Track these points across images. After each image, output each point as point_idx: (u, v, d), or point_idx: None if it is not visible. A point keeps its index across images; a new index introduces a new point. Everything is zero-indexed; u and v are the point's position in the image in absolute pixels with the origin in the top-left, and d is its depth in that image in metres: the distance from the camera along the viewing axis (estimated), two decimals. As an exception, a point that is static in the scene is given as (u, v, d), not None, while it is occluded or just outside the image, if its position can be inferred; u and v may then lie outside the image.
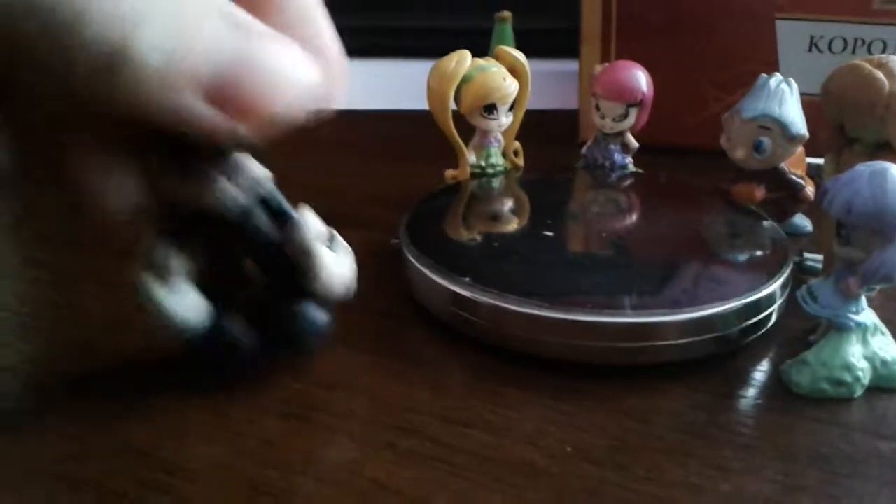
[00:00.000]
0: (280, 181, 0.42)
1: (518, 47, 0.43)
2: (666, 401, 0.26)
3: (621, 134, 0.38)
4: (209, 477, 0.24)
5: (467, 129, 0.37)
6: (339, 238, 0.27)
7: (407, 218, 0.33)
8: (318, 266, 0.25)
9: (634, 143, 0.38)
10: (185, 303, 0.24)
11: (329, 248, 0.26)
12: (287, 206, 0.25)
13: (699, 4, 0.42)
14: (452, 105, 0.36)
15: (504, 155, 0.38)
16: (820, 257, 0.31)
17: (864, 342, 0.27)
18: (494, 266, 0.30)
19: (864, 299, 0.27)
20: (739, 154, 0.33)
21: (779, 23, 0.41)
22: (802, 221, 0.36)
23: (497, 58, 0.37)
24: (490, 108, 0.36)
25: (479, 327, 0.29)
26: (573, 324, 0.27)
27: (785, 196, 0.34)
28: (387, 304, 0.32)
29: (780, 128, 0.32)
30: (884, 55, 0.31)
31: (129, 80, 0.18)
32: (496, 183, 0.37)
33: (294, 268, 0.25)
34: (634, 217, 0.36)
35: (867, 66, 0.30)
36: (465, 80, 0.35)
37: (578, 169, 0.39)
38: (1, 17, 0.17)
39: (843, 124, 0.32)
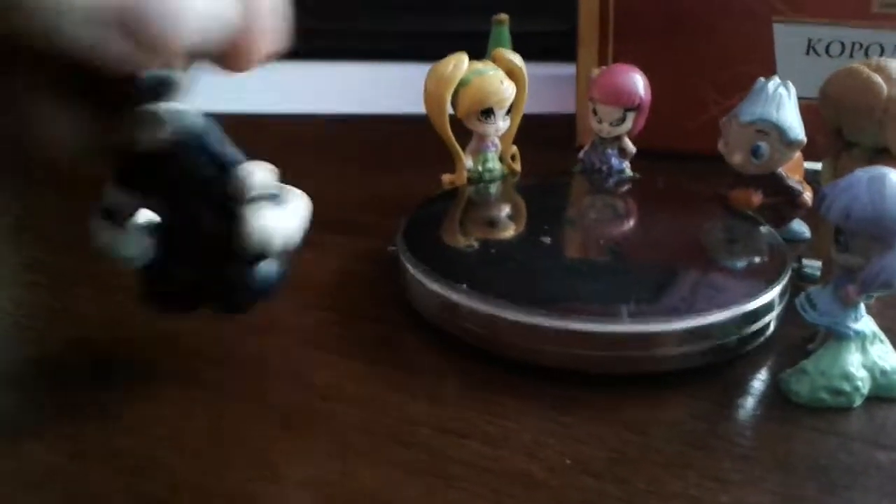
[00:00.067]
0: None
1: (515, 50, 0.43)
2: (664, 411, 0.26)
3: (618, 138, 0.37)
4: (205, 489, 0.23)
5: (464, 134, 0.37)
6: (292, 191, 0.26)
7: (403, 224, 0.33)
8: (250, 220, 0.24)
9: (632, 148, 0.38)
10: (129, 241, 0.25)
11: (274, 199, 0.25)
12: (230, 151, 0.25)
13: (696, 7, 0.42)
14: (449, 109, 0.36)
15: (501, 160, 0.38)
16: (818, 264, 0.31)
17: (864, 351, 0.26)
18: (491, 273, 0.30)
19: (862, 307, 0.26)
20: (737, 159, 0.33)
21: (776, 26, 0.41)
22: (800, 227, 0.36)
23: (494, 61, 0.36)
24: (487, 113, 0.36)
25: (475, 335, 0.28)
26: (571, 333, 0.27)
27: (783, 201, 0.34)
28: (383, 310, 0.32)
29: (778, 132, 0.32)
30: (882, 59, 0.31)
31: (26, 13, 0.19)
32: (493, 188, 0.37)
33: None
34: (632, 223, 0.36)
35: (865, 69, 0.30)
36: (463, 83, 0.35)
37: (576, 174, 0.39)
38: None
39: (841, 128, 0.32)
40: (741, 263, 0.31)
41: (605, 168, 0.38)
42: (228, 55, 0.24)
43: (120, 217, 0.25)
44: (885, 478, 0.24)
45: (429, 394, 0.27)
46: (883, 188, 0.24)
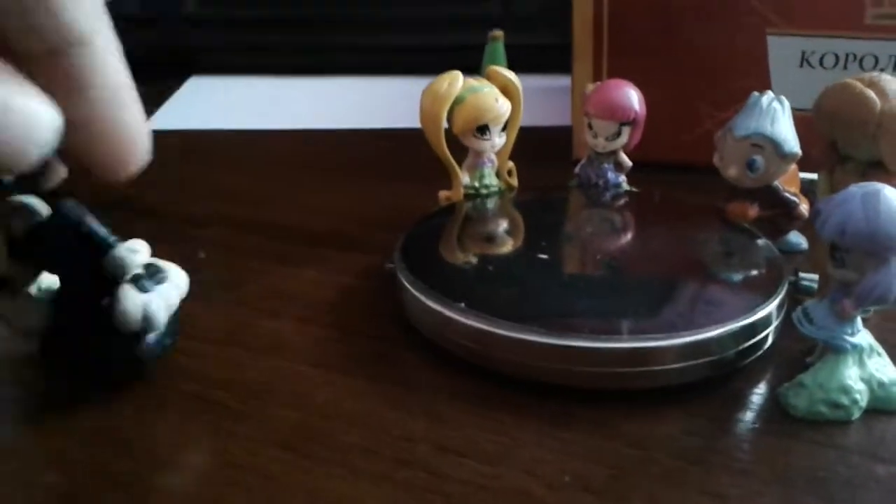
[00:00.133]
0: (274, 203, 0.43)
1: (510, 63, 0.43)
2: (663, 426, 0.26)
3: (614, 153, 0.38)
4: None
5: (460, 149, 0.37)
6: (170, 269, 0.28)
7: (401, 241, 0.33)
8: (123, 301, 0.26)
9: (628, 162, 0.38)
10: (22, 309, 0.27)
11: (145, 281, 0.27)
12: (104, 233, 0.27)
13: (691, 21, 0.42)
14: (445, 125, 0.36)
15: (498, 175, 0.38)
16: (816, 276, 0.31)
17: (861, 364, 0.27)
18: (489, 290, 0.30)
19: (859, 321, 0.27)
20: (732, 172, 0.33)
21: (770, 38, 0.42)
22: (797, 239, 0.36)
23: (489, 78, 0.37)
24: (483, 129, 0.36)
25: (474, 352, 0.28)
26: (568, 349, 0.27)
27: (779, 214, 0.34)
28: (381, 327, 0.32)
29: (773, 146, 0.32)
30: (875, 73, 0.31)
31: None
32: (490, 204, 0.37)
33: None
34: (629, 237, 0.36)
35: (859, 84, 0.30)
36: (458, 101, 0.35)
37: (572, 188, 0.39)
38: None
39: (835, 142, 0.32)
40: (738, 277, 0.31)
41: (601, 182, 0.38)
42: (94, 164, 0.26)
43: (15, 286, 0.27)
44: (883, 491, 0.24)
45: (428, 411, 0.27)
46: (877, 204, 0.24)
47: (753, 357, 0.28)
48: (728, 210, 0.34)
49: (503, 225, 0.36)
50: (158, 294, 0.27)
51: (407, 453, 0.25)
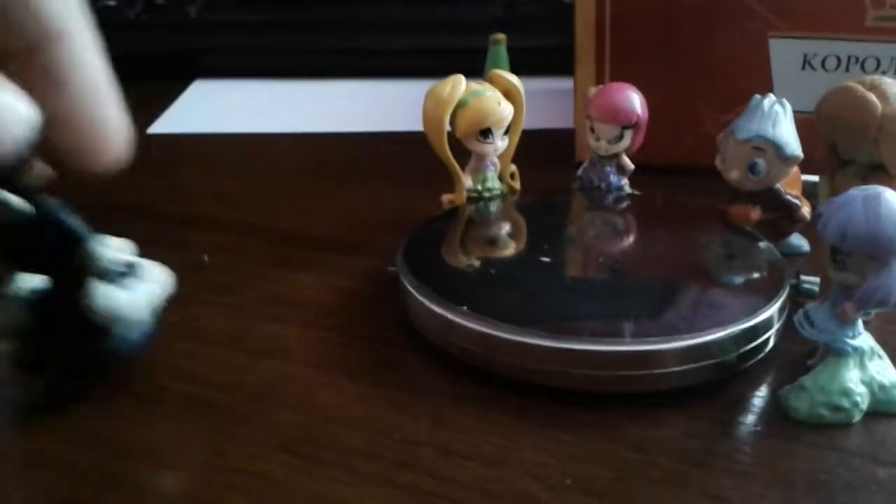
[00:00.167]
0: (276, 207, 0.43)
1: (512, 66, 0.43)
2: (664, 429, 0.26)
3: (617, 156, 0.38)
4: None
5: (463, 153, 0.37)
6: (147, 265, 0.28)
7: (404, 244, 0.33)
8: (94, 295, 0.26)
9: (630, 165, 0.38)
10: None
11: (118, 276, 0.27)
12: (80, 226, 0.26)
13: (692, 23, 0.42)
14: (448, 128, 0.36)
15: (500, 178, 0.38)
16: (817, 279, 0.31)
17: (862, 367, 0.27)
18: (491, 294, 0.30)
19: (860, 323, 0.27)
20: (734, 175, 0.34)
21: (772, 41, 0.42)
22: (799, 241, 0.36)
23: (491, 81, 0.37)
24: (485, 133, 0.36)
25: (476, 355, 0.29)
26: (570, 352, 0.27)
27: (781, 216, 0.34)
28: (384, 331, 0.32)
29: (775, 149, 0.32)
30: (876, 76, 0.31)
31: None
32: (493, 207, 0.37)
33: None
34: (631, 240, 0.36)
35: (860, 87, 0.30)
36: (460, 105, 0.35)
37: (575, 191, 0.39)
38: None
39: (837, 145, 0.32)
40: (740, 280, 0.31)
41: (603, 185, 0.38)
42: (71, 159, 0.26)
43: None
44: (884, 493, 0.24)
45: (430, 415, 0.27)
46: (878, 207, 0.24)
47: (755, 360, 0.28)
48: (730, 213, 0.34)
49: (506, 228, 0.36)
50: (131, 290, 0.27)
51: (410, 456, 0.25)
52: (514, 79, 0.37)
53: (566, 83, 0.47)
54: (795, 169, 0.34)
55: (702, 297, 0.30)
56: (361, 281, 0.36)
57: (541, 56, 0.55)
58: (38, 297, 0.26)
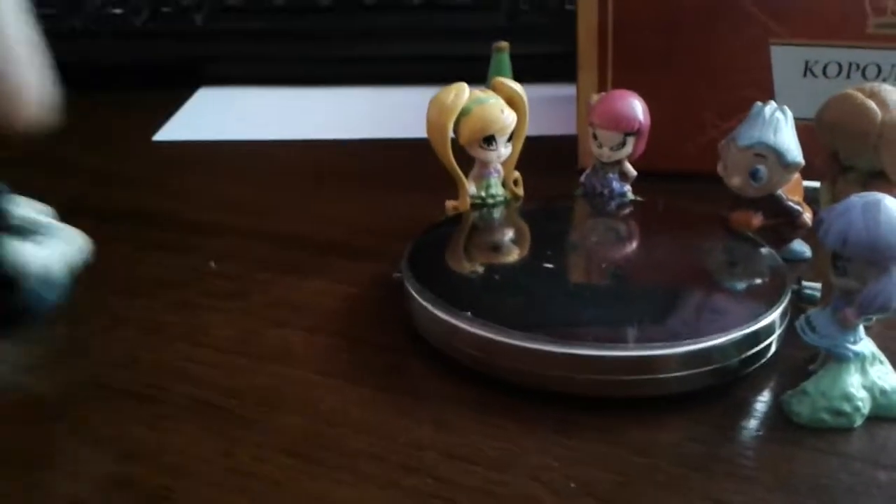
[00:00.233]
0: (282, 213, 0.43)
1: (515, 73, 0.43)
2: (667, 433, 0.27)
3: (619, 162, 0.38)
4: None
5: (467, 159, 0.37)
6: (63, 230, 0.28)
7: (408, 250, 0.33)
8: (3, 248, 0.26)
9: (632, 172, 0.38)
10: None
11: (26, 232, 0.27)
12: None
13: (695, 31, 0.43)
14: (451, 134, 0.36)
15: (504, 185, 0.38)
16: (818, 285, 0.32)
17: (863, 372, 0.27)
18: (495, 299, 0.31)
19: (861, 329, 0.27)
20: (736, 182, 0.34)
21: (773, 49, 0.42)
22: (801, 247, 0.36)
23: (495, 89, 0.37)
24: (489, 140, 0.36)
25: (480, 360, 0.29)
26: (574, 357, 0.27)
27: (783, 223, 0.35)
28: (389, 336, 0.32)
29: (776, 155, 0.33)
30: (876, 84, 0.31)
31: None
32: (497, 213, 0.37)
33: None
34: (633, 246, 0.36)
35: (860, 95, 0.31)
36: (464, 112, 0.35)
37: (577, 197, 0.39)
38: None
39: (837, 152, 0.32)
40: (742, 286, 0.32)
41: (606, 192, 0.38)
42: None
43: None
44: (886, 497, 0.24)
45: (435, 419, 0.28)
46: (878, 214, 0.24)
47: (757, 365, 0.29)
48: (732, 219, 0.35)
49: (509, 234, 0.37)
50: (44, 247, 0.27)
51: (414, 460, 0.26)
52: (517, 86, 0.37)
53: (569, 90, 0.47)
54: (797, 175, 0.34)
55: (704, 303, 0.31)
56: (366, 287, 0.36)
57: (544, 63, 0.55)
58: None
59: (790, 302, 0.30)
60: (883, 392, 0.27)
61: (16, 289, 0.27)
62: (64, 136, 0.56)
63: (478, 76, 0.41)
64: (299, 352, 0.32)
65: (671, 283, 0.32)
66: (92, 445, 0.27)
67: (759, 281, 0.32)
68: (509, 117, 0.36)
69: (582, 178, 0.39)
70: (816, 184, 0.35)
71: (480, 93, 0.36)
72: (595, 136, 0.38)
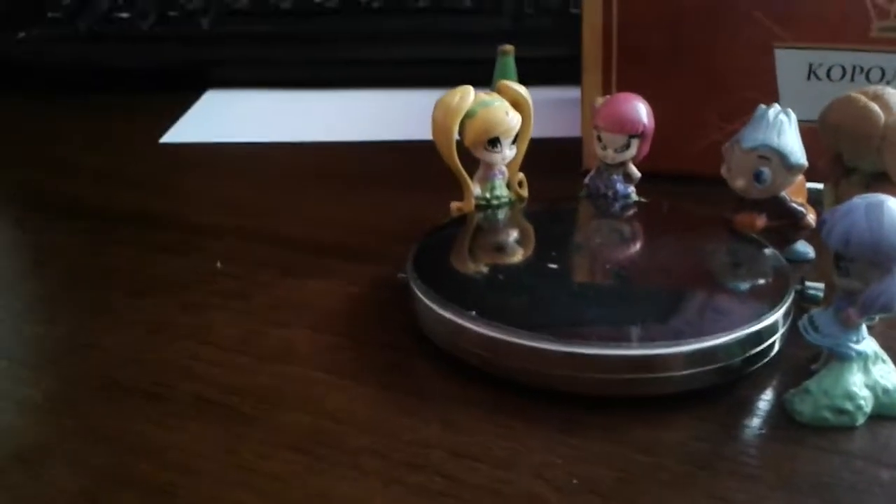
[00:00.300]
0: (286, 215, 0.43)
1: (520, 75, 0.44)
2: (670, 432, 0.27)
3: (623, 164, 0.38)
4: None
5: (472, 161, 0.37)
6: None
7: (413, 251, 0.34)
8: None
9: (637, 174, 0.38)
10: None
11: None
12: None
13: (699, 33, 0.43)
14: (456, 138, 0.36)
15: (508, 186, 0.38)
16: (821, 285, 0.32)
17: (866, 371, 0.27)
18: (500, 299, 0.31)
19: (864, 328, 0.27)
20: (740, 183, 0.34)
21: (777, 52, 0.42)
22: (804, 248, 0.36)
23: (500, 91, 0.37)
24: (494, 142, 0.36)
25: (485, 360, 0.29)
26: (578, 357, 0.27)
27: (787, 224, 0.35)
28: (394, 336, 0.32)
29: (780, 158, 0.33)
30: (880, 87, 0.31)
31: None
32: (501, 214, 0.37)
33: None
34: (637, 247, 0.36)
35: (863, 98, 0.31)
36: (469, 115, 0.36)
37: (582, 199, 0.39)
38: None
39: (841, 154, 0.32)
40: (746, 286, 0.32)
41: (610, 193, 0.38)
42: None
43: None
44: (887, 495, 0.24)
45: (440, 418, 0.28)
46: (881, 215, 0.24)
47: (760, 364, 0.29)
48: (736, 220, 0.35)
49: (514, 235, 0.37)
50: None
51: (420, 458, 0.26)
52: (522, 89, 0.37)
53: (573, 93, 0.47)
54: (800, 177, 0.34)
55: (708, 303, 0.31)
56: (371, 287, 0.36)
57: (548, 66, 0.55)
58: None
59: (793, 302, 0.30)
60: (885, 391, 0.27)
61: None
62: (70, 139, 0.57)
63: (483, 79, 0.41)
64: (303, 351, 0.32)
65: (675, 284, 0.32)
66: (98, 442, 0.27)
67: (762, 281, 0.32)
68: (514, 119, 0.36)
69: (586, 180, 0.39)
70: (820, 186, 0.35)
71: (485, 95, 0.37)
72: (599, 139, 0.38)
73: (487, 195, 0.38)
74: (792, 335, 0.29)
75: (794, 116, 0.33)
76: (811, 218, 0.35)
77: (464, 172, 0.37)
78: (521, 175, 0.39)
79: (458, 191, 0.37)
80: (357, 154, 0.52)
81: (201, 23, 0.64)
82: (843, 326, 0.27)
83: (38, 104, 0.63)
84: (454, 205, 0.38)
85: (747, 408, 0.28)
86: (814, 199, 0.36)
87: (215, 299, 0.35)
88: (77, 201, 0.46)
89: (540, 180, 0.39)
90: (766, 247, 0.33)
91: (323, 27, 0.64)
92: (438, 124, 0.36)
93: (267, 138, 0.55)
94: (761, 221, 0.34)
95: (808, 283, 0.32)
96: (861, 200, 0.25)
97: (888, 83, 0.41)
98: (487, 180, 0.38)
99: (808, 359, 0.29)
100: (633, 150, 0.37)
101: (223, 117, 0.60)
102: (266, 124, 0.58)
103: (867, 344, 0.27)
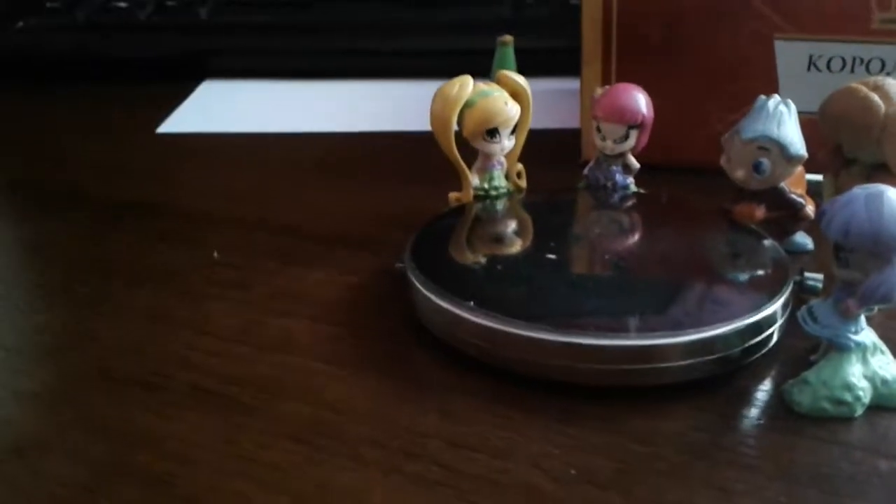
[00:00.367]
0: (284, 204, 0.43)
1: (520, 66, 0.43)
2: (668, 422, 0.27)
3: (622, 155, 0.38)
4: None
5: (470, 151, 0.37)
6: None
7: (411, 241, 0.34)
8: None
9: (636, 164, 0.38)
10: None
11: None
12: None
13: (699, 24, 0.43)
14: (455, 128, 0.36)
15: (507, 177, 0.38)
16: (821, 276, 0.32)
17: (865, 361, 0.27)
18: (498, 289, 0.31)
19: (863, 319, 0.27)
20: (739, 174, 0.34)
21: (777, 43, 0.42)
22: (803, 240, 0.36)
23: (498, 82, 0.37)
24: (492, 132, 0.36)
25: (483, 350, 0.29)
26: (576, 347, 0.27)
27: (786, 215, 0.35)
28: (392, 326, 0.32)
29: (779, 148, 0.33)
30: (880, 77, 0.31)
31: None
32: (500, 205, 0.37)
33: None
34: (636, 238, 0.36)
35: (863, 88, 0.31)
36: (468, 105, 0.36)
37: (580, 190, 0.39)
38: None
39: (841, 145, 0.32)
40: (744, 277, 0.32)
41: (609, 184, 0.38)
42: None
43: None
44: (886, 486, 0.24)
45: (438, 408, 0.28)
46: (881, 205, 0.24)
47: (759, 355, 0.29)
48: (735, 211, 0.35)
49: (512, 226, 0.37)
50: None
51: (418, 447, 0.26)
52: (521, 79, 0.37)
53: (573, 83, 0.47)
54: (800, 168, 0.34)
55: (707, 293, 0.31)
56: (369, 277, 0.36)
57: (548, 57, 0.55)
58: None
59: (792, 293, 0.30)
60: (884, 382, 0.27)
61: None
62: (68, 129, 0.56)
63: (482, 70, 0.41)
64: (302, 341, 0.32)
65: (674, 274, 0.32)
66: (97, 432, 0.27)
67: (761, 272, 0.32)
68: (513, 110, 0.36)
69: (585, 171, 0.39)
70: (819, 177, 0.35)
71: (484, 86, 0.36)
72: (599, 129, 0.38)
73: (486, 186, 0.38)
74: (791, 326, 0.29)
75: (793, 107, 0.33)
76: (810, 209, 0.35)
77: (462, 163, 0.37)
78: (519, 166, 0.39)
79: (457, 181, 0.37)
80: (356, 144, 0.52)
81: (199, 12, 0.64)
82: (842, 317, 0.26)
83: (36, 94, 0.63)
84: (453, 195, 0.38)
85: (746, 398, 0.28)
86: (813, 190, 0.36)
87: (214, 289, 0.35)
88: (75, 191, 0.46)
89: (539, 171, 0.39)
90: (765, 238, 0.33)
91: (321, 17, 0.64)
92: (437, 115, 0.36)
93: (265, 128, 0.55)
94: (760, 212, 0.34)
95: (807, 274, 0.32)
96: (861, 191, 0.25)
97: (888, 74, 0.41)
98: (486, 171, 0.38)
99: (806, 349, 0.29)
100: (632, 141, 0.37)
101: (221, 107, 0.60)
102: (264, 114, 0.58)
103: (866, 335, 0.27)
